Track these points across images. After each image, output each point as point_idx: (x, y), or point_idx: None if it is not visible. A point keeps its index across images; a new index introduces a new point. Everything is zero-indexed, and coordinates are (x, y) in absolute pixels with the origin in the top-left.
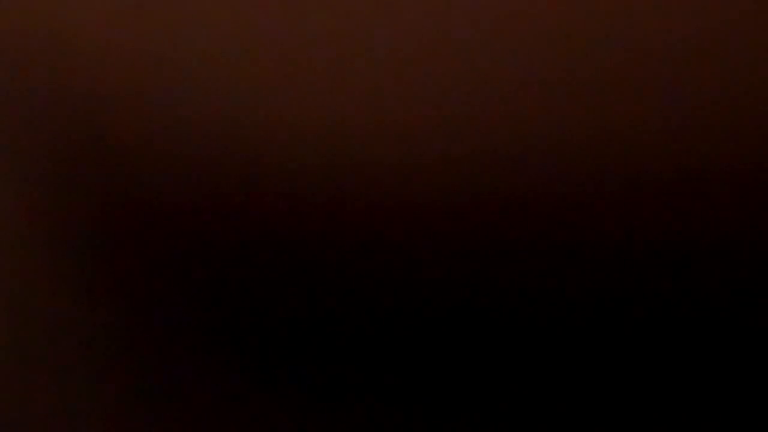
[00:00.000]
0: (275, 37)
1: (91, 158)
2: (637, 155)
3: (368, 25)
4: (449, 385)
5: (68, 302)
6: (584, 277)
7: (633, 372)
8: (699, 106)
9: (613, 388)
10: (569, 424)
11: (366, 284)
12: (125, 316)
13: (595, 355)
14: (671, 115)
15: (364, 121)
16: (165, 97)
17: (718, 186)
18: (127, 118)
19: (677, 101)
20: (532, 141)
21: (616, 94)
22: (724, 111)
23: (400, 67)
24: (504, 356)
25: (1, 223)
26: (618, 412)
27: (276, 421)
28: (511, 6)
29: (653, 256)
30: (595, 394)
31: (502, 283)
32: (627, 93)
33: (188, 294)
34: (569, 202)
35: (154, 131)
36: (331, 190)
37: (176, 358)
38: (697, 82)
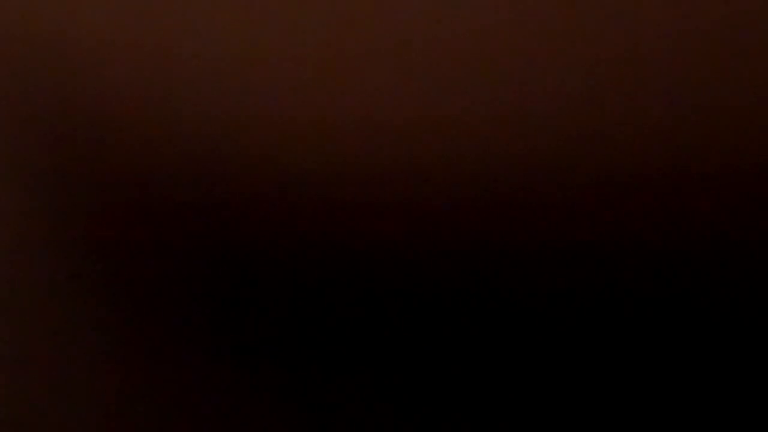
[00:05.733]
0: (275, 38)
1: (91, 158)
2: (637, 155)
3: (368, 24)
4: (448, 385)
5: (68, 302)
6: (584, 277)
7: (633, 372)
8: (699, 105)
9: (613, 387)
10: (569, 423)
11: (365, 283)
12: (125, 316)
13: (595, 355)
14: (671, 115)
15: (363, 121)
16: (166, 97)
17: (717, 186)
18: (128, 117)
19: (677, 101)
20: (531, 141)
21: (615, 94)
22: (724, 111)
23: (400, 67)
24: (504, 355)
25: (1, 223)
26: (618, 412)
27: (276, 421)
28: (510, 6)
29: (653, 255)
30: (595, 393)
31: (502, 283)
32: (627, 93)
33: (188, 293)
34: (569, 202)
35: (155, 131)
36: (330, 189)
37: (176, 358)
38: (697, 82)
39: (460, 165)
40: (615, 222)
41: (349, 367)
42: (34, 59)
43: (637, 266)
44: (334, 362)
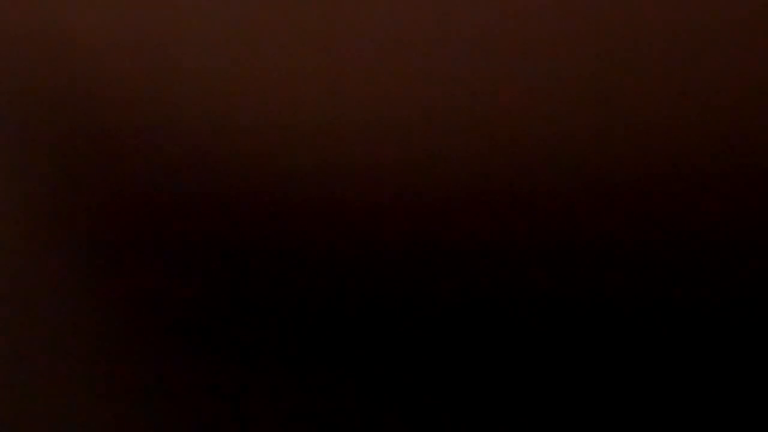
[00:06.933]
0: (275, 37)
1: (91, 158)
2: (637, 155)
3: (368, 24)
4: (448, 385)
5: (68, 302)
6: (584, 277)
7: (632, 371)
8: (698, 105)
9: (613, 388)
10: (569, 423)
11: (365, 284)
12: (125, 316)
13: (595, 355)
14: (671, 115)
15: (362, 121)
16: (165, 96)
17: (718, 186)
18: (127, 118)
19: (677, 101)
20: (532, 140)
21: (615, 94)
22: (723, 111)
23: (399, 67)
24: (503, 356)
25: (1, 223)
26: (618, 412)
27: (276, 421)
28: (509, 5)
29: (653, 255)
30: (595, 394)
31: (502, 283)
32: (627, 93)
33: (188, 293)
34: (569, 202)
35: (154, 131)
36: (329, 189)
37: (176, 357)
38: (698, 82)
39: (460, 165)
40: (615, 222)
41: (349, 367)
42: (34, 59)
43: (637, 266)
44: (333, 362)
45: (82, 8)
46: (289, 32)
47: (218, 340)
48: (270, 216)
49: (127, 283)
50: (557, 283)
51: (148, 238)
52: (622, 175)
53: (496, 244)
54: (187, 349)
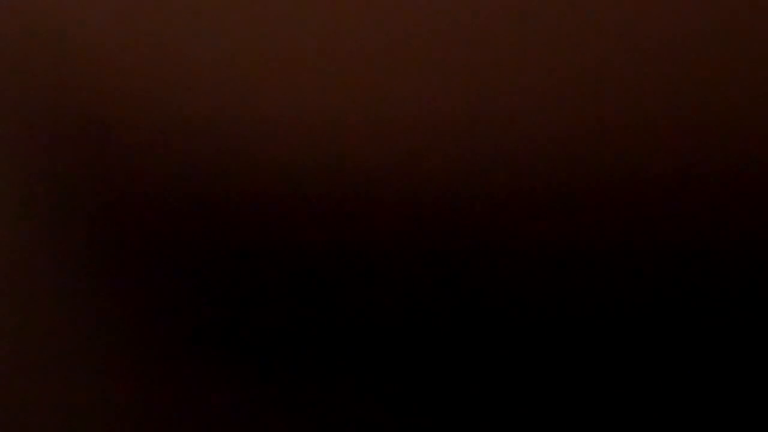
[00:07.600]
0: (275, 37)
1: (91, 158)
2: (637, 155)
3: (368, 24)
4: (448, 386)
5: (68, 302)
6: (585, 277)
7: (633, 372)
8: (699, 106)
9: (613, 388)
10: (569, 424)
11: (364, 284)
12: (125, 316)
13: (595, 356)
14: (671, 115)
15: (363, 120)
16: (166, 96)
17: (718, 186)
18: (128, 117)
19: (677, 101)
20: (532, 140)
21: (615, 94)
22: (724, 111)
23: (400, 67)
24: (504, 356)
25: (1, 223)
26: (618, 412)
27: (276, 421)
28: (510, 4)
29: (653, 256)
30: (595, 394)
31: (502, 284)
32: (627, 93)
33: (188, 294)
34: (569, 202)
35: (155, 131)
36: (329, 189)
37: (176, 358)
38: (697, 82)
39: (460, 164)
40: (615, 222)
41: (348, 367)
42: (34, 59)
43: (637, 266)
44: (333, 362)
45: (83, 8)
46: (291, 31)
47: (218, 339)
48: (270, 215)
49: (128, 284)
50: (557, 284)
51: (148, 238)
52: (623, 175)
53: (496, 244)
54: (187, 350)
